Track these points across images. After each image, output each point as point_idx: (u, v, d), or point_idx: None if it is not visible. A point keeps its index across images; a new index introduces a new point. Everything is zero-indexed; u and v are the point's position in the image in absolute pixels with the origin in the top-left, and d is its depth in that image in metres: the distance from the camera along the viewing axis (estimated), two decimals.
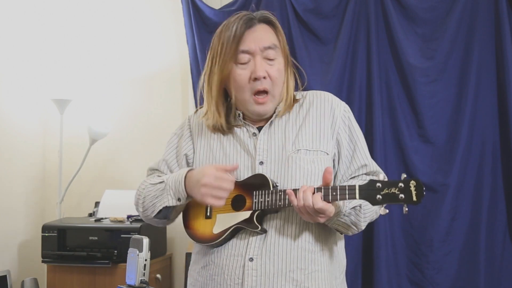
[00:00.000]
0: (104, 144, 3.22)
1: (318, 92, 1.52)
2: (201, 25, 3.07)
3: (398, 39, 2.77)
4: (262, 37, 1.42)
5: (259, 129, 1.46)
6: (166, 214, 1.46)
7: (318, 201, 1.26)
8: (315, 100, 1.49)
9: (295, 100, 1.49)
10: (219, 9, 3.09)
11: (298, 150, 1.41)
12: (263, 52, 1.41)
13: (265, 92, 1.41)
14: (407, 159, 2.76)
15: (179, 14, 3.13)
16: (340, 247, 1.50)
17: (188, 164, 1.52)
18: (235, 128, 1.48)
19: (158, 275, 2.89)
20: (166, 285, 3.05)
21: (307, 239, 1.39)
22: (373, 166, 1.47)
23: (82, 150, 3.16)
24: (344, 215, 1.35)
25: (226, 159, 1.45)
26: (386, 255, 2.72)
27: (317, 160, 1.41)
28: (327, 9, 2.89)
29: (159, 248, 2.98)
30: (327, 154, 1.43)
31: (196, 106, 3.08)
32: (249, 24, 1.42)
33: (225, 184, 1.32)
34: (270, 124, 1.46)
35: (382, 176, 1.27)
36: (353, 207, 1.36)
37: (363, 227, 1.42)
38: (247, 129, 1.47)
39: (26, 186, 3.27)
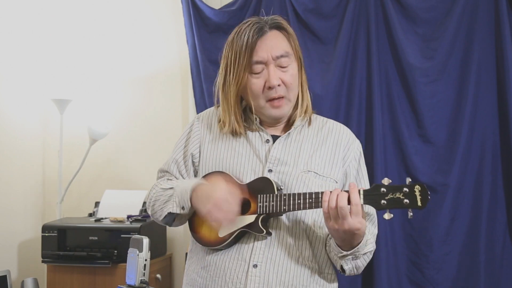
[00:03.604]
0: (104, 144, 3.22)
1: (339, 124, 1.55)
2: (201, 25, 3.07)
3: (398, 39, 2.77)
4: (273, 45, 1.42)
5: (273, 137, 1.47)
6: (169, 220, 1.47)
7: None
8: (334, 129, 1.52)
9: (311, 114, 1.51)
10: (219, 9, 3.09)
11: (309, 171, 1.42)
12: (276, 60, 1.41)
13: (280, 97, 1.42)
14: (407, 159, 2.76)
15: (179, 14, 3.13)
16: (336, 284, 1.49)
17: (193, 163, 1.51)
18: (248, 131, 1.48)
19: (158, 275, 2.89)
20: (166, 285, 3.05)
21: (311, 256, 1.41)
22: None
23: (82, 150, 3.16)
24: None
25: (234, 160, 1.45)
26: (386, 255, 2.71)
27: (325, 186, 1.42)
28: (327, 9, 2.89)
29: (159, 248, 2.98)
30: (336, 182, 1.45)
31: (196, 106, 3.11)
32: (260, 33, 1.41)
33: (231, 210, 1.31)
34: (288, 136, 1.47)
35: (386, 180, 1.27)
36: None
37: (361, 270, 1.41)
38: (260, 134, 1.47)
39: (26, 186, 3.27)
